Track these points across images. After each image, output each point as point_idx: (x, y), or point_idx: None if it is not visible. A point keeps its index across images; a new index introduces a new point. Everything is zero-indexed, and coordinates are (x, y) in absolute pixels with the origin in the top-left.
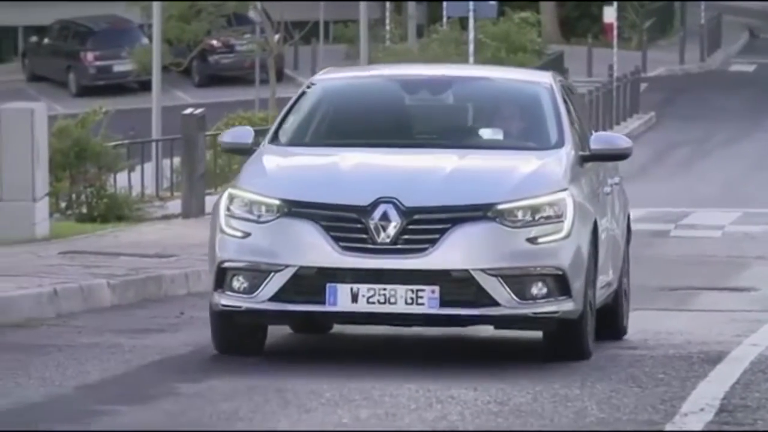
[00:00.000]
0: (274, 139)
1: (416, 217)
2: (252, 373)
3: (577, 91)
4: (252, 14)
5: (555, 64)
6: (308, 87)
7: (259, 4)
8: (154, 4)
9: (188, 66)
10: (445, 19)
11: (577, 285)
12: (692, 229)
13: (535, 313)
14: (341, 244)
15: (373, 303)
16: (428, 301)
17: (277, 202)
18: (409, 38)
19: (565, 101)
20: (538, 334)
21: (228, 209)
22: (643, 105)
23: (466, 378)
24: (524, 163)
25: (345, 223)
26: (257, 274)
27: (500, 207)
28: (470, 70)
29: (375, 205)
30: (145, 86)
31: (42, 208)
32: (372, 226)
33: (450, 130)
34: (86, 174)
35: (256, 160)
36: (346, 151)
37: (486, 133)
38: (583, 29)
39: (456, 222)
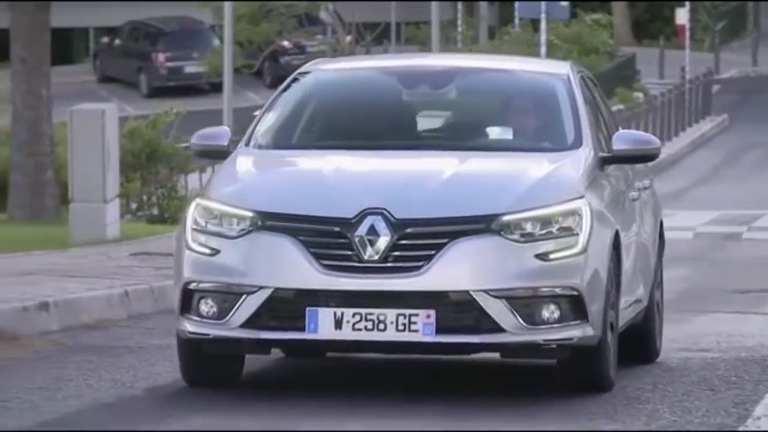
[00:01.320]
0: (252, 141)
1: (408, 230)
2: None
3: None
4: (323, 15)
5: (627, 66)
6: (292, 81)
7: (330, 5)
8: (226, 5)
9: (260, 67)
10: (517, 21)
11: (595, 307)
12: (765, 231)
13: (546, 340)
14: (323, 262)
15: (360, 330)
16: (423, 327)
17: (249, 214)
18: (481, 40)
19: (584, 95)
20: None
21: (195, 222)
22: (716, 107)
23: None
24: (535, 167)
25: (327, 238)
26: (227, 296)
27: (505, 218)
28: (476, 61)
29: (361, 217)
30: (217, 88)
31: (113, 210)
32: (358, 242)
33: (452, 130)
34: (157, 175)
35: (228, 165)
36: (332, 155)
37: (493, 132)
38: (656, 31)
39: (454, 236)
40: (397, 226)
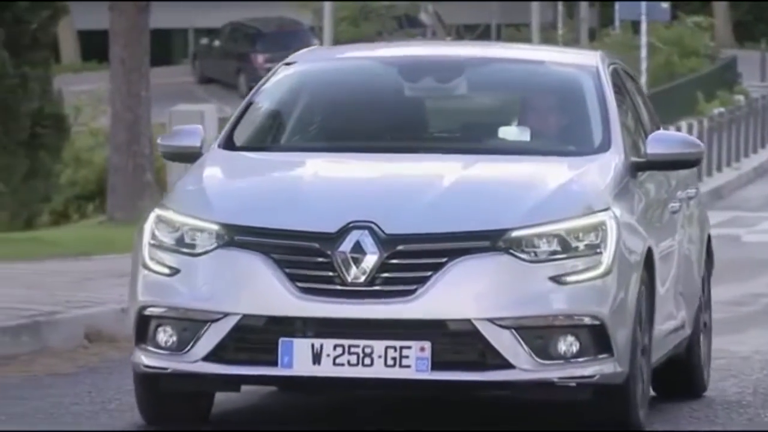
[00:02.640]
0: (227, 142)
1: (400, 248)
2: None
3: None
4: (423, 17)
5: (728, 69)
6: (277, 72)
7: (430, 6)
8: (326, 6)
9: None
10: (617, 23)
11: (621, 338)
12: None
13: (563, 378)
14: (299, 284)
15: (342, 365)
16: (416, 361)
17: (215, 227)
18: (581, 42)
19: (617, 91)
20: None
21: (153, 236)
22: None
23: None
24: (553, 174)
25: (304, 256)
26: (188, 324)
27: (515, 234)
28: (490, 50)
29: (344, 231)
30: None
31: None
32: (340, 261)
33: (459, 130)
34: None
35: (194, 170)
36: (317, 159)
37: (507, 133)
38: (758, 33)
39: (455, 255)
40: (387, 242)
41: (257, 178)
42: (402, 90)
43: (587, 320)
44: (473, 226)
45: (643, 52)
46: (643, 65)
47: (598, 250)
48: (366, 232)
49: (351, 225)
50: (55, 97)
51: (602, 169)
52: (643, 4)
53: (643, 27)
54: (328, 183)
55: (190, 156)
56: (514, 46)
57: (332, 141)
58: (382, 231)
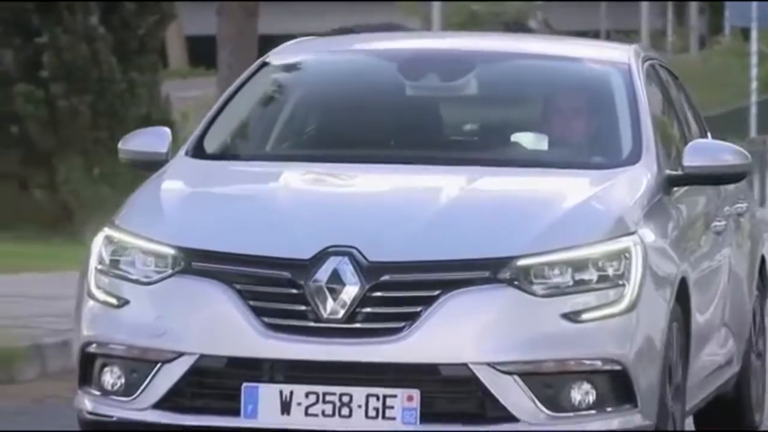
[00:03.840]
0: (197, 148)
1: (386, 278)
2: None
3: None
4: (532, 23)
5: None
6: (257, 69)
7: (539, 13)
8: (434, 11)
9: None
10: (727, 30)
11: (646, 385)
12: None
13: None
14: (266, 320)
15: (315, 415)
16: (402, 412)
17: (171, 251)
18: (691, 49)
19: (653, 91)
20: None
21: (100, 260)
22: None
23: None
24: (570, 190)
25: (273, 287)
26: (137, 365)
27: (522, 263)
28: (505, 42)
29: (321, 258)
30: None
31: None
32: (315, 292)
33: (466, 137)
34: None
35: (153, 182)
36: (298, 170)
37: (522, 141)
38: None
39: (450, 287)
40: (371, 271)
41: (223, 193)
42: (400, 90)
43: (606, 365)
44: (472, 253)
45: (754, 59)
46: (753, 72)
47: (621, 282)
48: (345, 259)
49: (328, 250)
50: (162, 103)
51: (630, 185)
52: (754, 5)
53: (754, 34)
54: (304, 200)
55: (153, 164)
56: (535, 38)
57: (315, 149)
58: (365, 258)
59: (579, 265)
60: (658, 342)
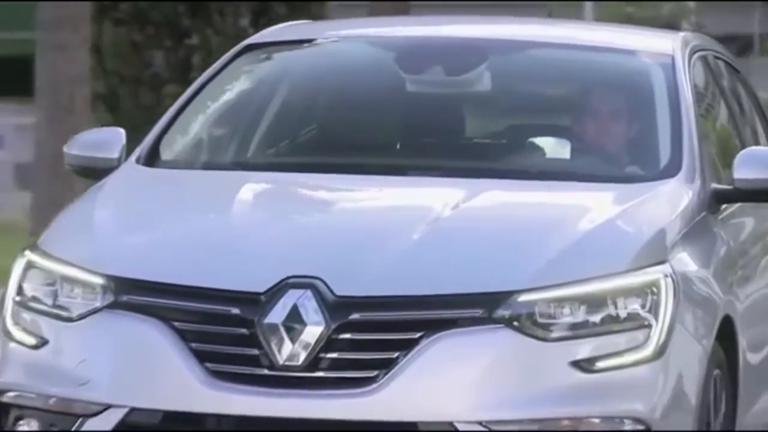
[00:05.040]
0: (150, 155)
1: (356, 316)
2: None
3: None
4: (685, 26)
5: None
6: (230, 60)
7: (693, 15)
8: (586, 11)
9: None
10: None
11: None
12: None
13: None
14: (210, 366)
15: None
16: None
17: (99, 281)
18: None
19: (703, 89)
20: None
21: (20, 290)
22: None
23: None
24: (591, 208)
25: (219, 326)
26: (58, 418)
27: (523, 298)
28: (527, 29)
29: (278, 291)
30: None
31: None
32: (269, 333)
33: (471, 142)
34: None
35: (87, 197)
36: (261, 183)
37: (538, 148)
38: None
39: (433, 328)
40: (338, 308)
41: (168, 211)
42: (398, 85)
43: (627, 424)
44: (463, 286)
45: None
46: None
47: (646, 322)
48: (308, 293)
49: (287, 282)
50: None
51: (665, 201)
52: None
53: None
54: (262, 221)
55: (102, 172)
56: (563, 24)
57: (288, 156)
58: (331, 292)
59: (595, 302)
60: (692, 395)
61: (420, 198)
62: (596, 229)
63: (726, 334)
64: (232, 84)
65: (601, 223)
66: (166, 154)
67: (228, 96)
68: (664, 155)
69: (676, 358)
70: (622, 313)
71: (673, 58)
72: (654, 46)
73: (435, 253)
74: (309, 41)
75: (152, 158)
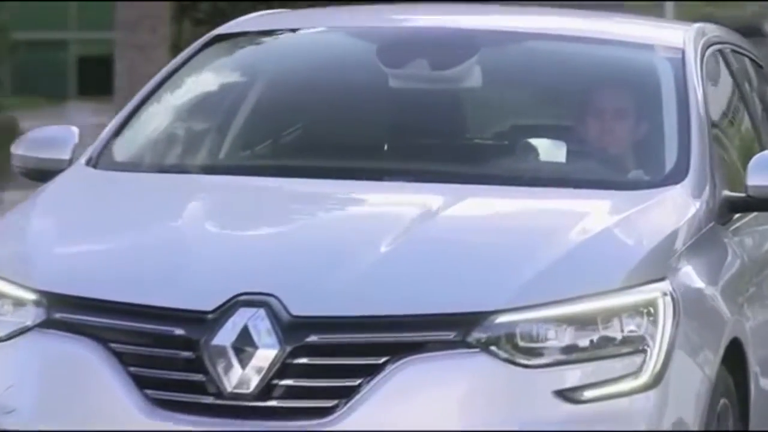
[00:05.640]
0: (102, 156)
1: (313, 339)
2: None
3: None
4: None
5: None
6: (198, 51)
7: None
8: (667, 12)
9: None
10: None
11: None
12: None
13: None
14: (151, 393)
15: None
16: None
17: (31, 296)
18: None
19: (718, 85)
20: None
21: None
22: None
23: None
24: (583, 218)
25: (161, 348)
26: None
27: (502, 320)
28: (523, 19)
29: (227, 310)
30: None
31: None
32: (216, 357)
33: (458, 143)
34: None
35: (27, 203)
36: (221, 189)
37: (535, 151)
38: None
39: (400, 352)
40: (294, 329)
41: (111, 219)
42: (379, 80)
43: None
44: (432, 306)
45: None
46: None
47: (642, 347)
48: (260, 312)
49: (237, 300)
50: None
51: (668, 210)
52: None
53: None
54: (215, 231)
55: (51, 174)
56: (564, 14)
57: (253, 159)
58: (287, 311)
59: (583, 324)
60: (693, 428)
61: (393, 206)
62: (587, 241)
63: (735, 359)
64: (198, 78)
65: (593, 235)
66: (119, 155)
67: (192, 91)
68: (670, 159)
69: (676, 387)
70: (615, 337)
71: (683, 52)
72: (663, 39)
73: (404, 268)
74: (283, 32)
75: (104, 160)
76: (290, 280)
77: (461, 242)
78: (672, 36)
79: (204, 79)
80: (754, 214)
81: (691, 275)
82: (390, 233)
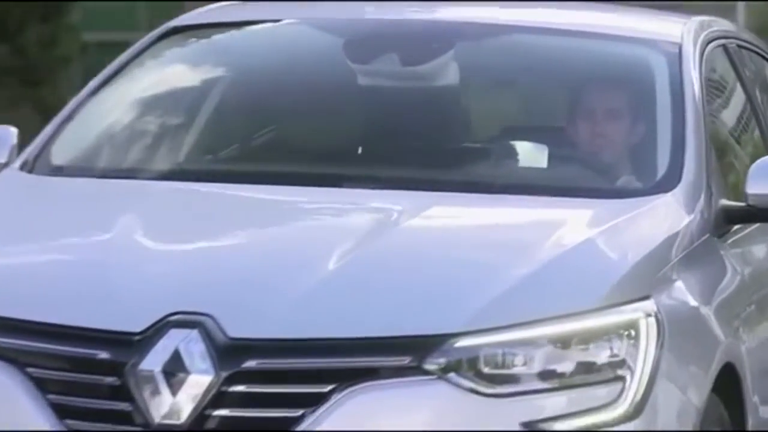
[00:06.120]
0: (38, 159)
1: (251, 364)
2: None
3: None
4: None
5: None
6: (151, 44)
7: None
8: (739, 12)
9: None
10: None
11: None
12: None
13: None
14: (72, 422)
15: None
16: None
17: None
18: None
19: (720, 84)
20: None
21: None
22: None
23: None
24: (560, 230)
25: (83, 373)
26: None
27: (462, 344)
28: (503, 11)
29: (157, 332)
30: None
31: None
32: (144, 383)
33: (429, 146)
34: None
35: None
36: (161, 194)
37: (514, 155)
38: None
39: (349, 379)
40: (230, 353)
41: (40, 229)
42: (345, 77)
43: None
44: (385, 328)
45: None
46: None
47: (620, 373)
48: (194, 334)
49: (168, 321)
50: None
51: (657, 221)
52: None
53: None
54: (148, 244)
55: None
56: (551, 5)
57: (200, 163)
58: (223, 333)
59: (555, 348)
60: None
61: (349, 216)
62: (562, 256)
63: (729, 386)
64: (149, 74)
65: (568, 249)
66: (58, 159)
67: (142, 88)
68: (662, 165)
69: (659, 418)
70: (591, 362)
71: (680, 47)
72: (659, 33)
73: (354, 285)
74: (245, 24)
75: (41, 163)
76: (228, 298)
77: (420, 257)
78: (669, 29)
79: (154, 76)
80: (757, 225)
81: (679, 293)
82: (341, 246)
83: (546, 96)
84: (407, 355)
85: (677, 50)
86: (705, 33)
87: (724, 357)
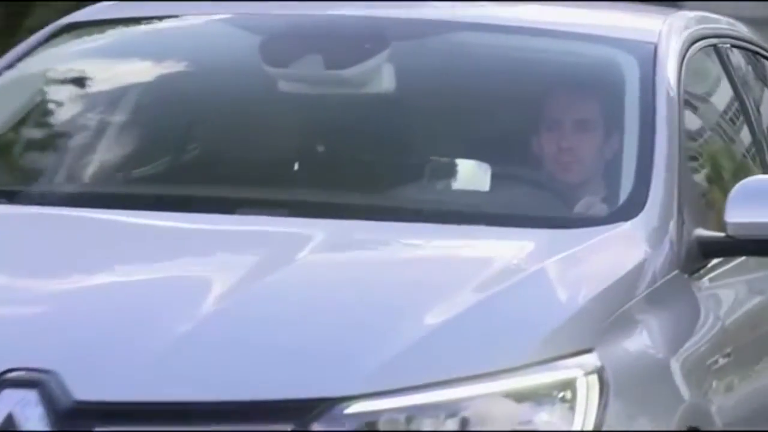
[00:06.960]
0: None
1: (98, 431)
2: None
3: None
4: None
5: None
6: (42, 42)
7: None
8: None
9: None
10: None
11: None
12: None
13: None
14: None
15: None
16: None
17: None
18: None
19: (701, 91)
20: None
21: None
22: None
23: None
24: (490, 268)
25: None
26: None
27: (355, 409)
28: (451, 5)
29: None
30: None
31: None
32: None
33: (346, 167)
34: None
35: None
36: (17, 223)
37: (451, 177)
38: None
39: None
40: (74, 418)
41: None
42: (260, 82)
43: None
44: (260, 390)
45: None
46: None
47: None
48: (32, 395)
49: (3, 380)
50: None
51: (611, 256)
52: None
53: None
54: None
55: None
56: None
57: (75, 185)
58: (67, 395)
59: (473, 414)
60: None
61: (233, 250)
62: (487, 301)
63: None
64: (37, 77)
65: (495, 293)
66: None
67: (27, 93)
68: (624, 187)
69: None
70: (517, 430)
71: (655, 48)
72: (634, 31)
73: (226, 339)
74: (154, 19)
75: None
76: (74, 354)
77: (312, 301)
78: (646, 27)
79: (43, 79)
80: (739, 260)
81: (634, 343)
82: (216, 289)
83: (497, 106)
84: (287, 421)
85: (652, 51)
86: (689, 31)
87: (687, 420)
